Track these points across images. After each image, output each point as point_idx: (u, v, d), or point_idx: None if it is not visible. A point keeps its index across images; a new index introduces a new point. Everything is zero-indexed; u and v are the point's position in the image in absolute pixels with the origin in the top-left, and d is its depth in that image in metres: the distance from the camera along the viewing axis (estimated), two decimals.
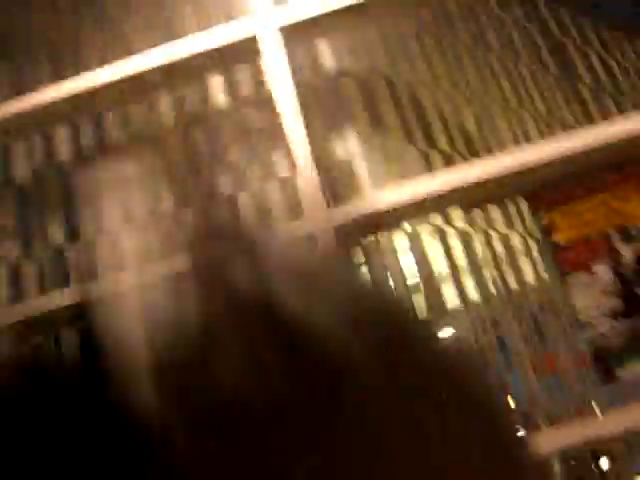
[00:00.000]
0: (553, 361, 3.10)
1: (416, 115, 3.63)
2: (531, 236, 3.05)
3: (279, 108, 2.95)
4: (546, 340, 3.07)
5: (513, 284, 3.16)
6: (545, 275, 2.94)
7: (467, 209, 2.99)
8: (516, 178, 2.59)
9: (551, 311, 2.95)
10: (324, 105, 3.54)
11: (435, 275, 3.34)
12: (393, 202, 2.71)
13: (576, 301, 2.52)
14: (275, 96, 2.99)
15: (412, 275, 3.29)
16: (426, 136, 3.60)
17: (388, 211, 2.73)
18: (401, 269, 3.19)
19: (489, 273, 3.26)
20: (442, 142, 3.61)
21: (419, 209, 2.83)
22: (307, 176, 2.78)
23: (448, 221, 3.37)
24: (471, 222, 3.29)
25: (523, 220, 3.04)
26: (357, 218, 2.71)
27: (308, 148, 2.85)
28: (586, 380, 2.67)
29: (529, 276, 3.13)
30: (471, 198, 2.72)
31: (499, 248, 3.24)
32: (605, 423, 2.51)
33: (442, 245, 3.36)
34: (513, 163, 2.55)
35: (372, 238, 3.03)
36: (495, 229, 3.24)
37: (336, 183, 3.29)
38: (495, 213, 3.21)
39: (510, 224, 3.19)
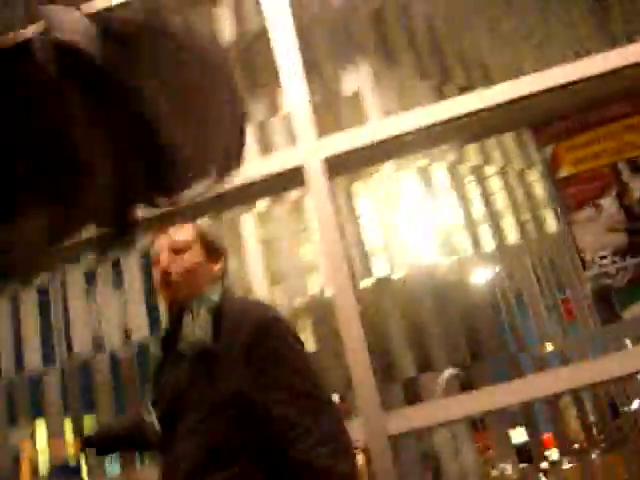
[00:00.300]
0: (569, 305, 2.98)
1: (432, 49, 3.44)
2: (535, 171, 2.87)
3: (275, 42, 2.87)
4: (558, 282, 2.94)
5: (523, 221, 3.01)
6: (551, 212, 2.78)
7: (467, 142, 2.82)
8: (520, 108, 2.43)
9: (559, 251, 2.80)
10: (333, 38, 3.40)
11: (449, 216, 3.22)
12: (398, 130, 2.59)
13: (581, 239, 2.37)
14: (271, 30, 2.91)
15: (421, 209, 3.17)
16: (442, 71, 3.42)
17: (392, 139, 2.60)
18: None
19: (502, 208, 3.13)
20: (459, 77, 3.42)
21: (426, 139, 2.68)
22: (300, 109, 2.69)
23: (462, 158, 3.23)
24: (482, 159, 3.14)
25: (528, 154, 2.87)
26: (355, 148, 2.60)
27: (304, 82, 2.76)
28: (592, 321, 2.54)
29: (536, 214, 2.98)
30: (470, 131, 2.57)
31: (506, 183, 3.08)
32: (612, 363, 2.39)
33: (455, 181, 3.22)
34: (514, 92, 2.39)
35: (374, 169, 2.89)
36: (510, 165, 3.08)
37: (339, 115, 3.18)
38: (498, 147, 3.05)
39: (514, 159, 3.02)
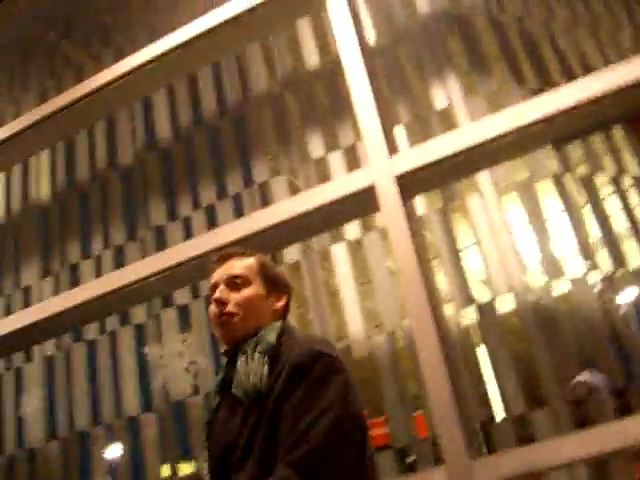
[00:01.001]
0: None
1: (526, 51, 3.15)
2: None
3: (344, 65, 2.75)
4: None
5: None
6: None
7: (562, 143, 2.49)
8: (615, 102, 2.11)
9: None
10: (419, 48, 3.20)
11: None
12: (469, 142, 2.35)
13: None
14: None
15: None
16: (539, 73, 3.11)
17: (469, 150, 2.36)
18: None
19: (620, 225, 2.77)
20: (559, 79, 3.10)
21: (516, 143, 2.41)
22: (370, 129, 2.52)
23: (567, 168, 2.90)
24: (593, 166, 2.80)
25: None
26: (431, 163, 2.38)
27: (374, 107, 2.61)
28: None
29: None
30: (565, 128, 2.26)
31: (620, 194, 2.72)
32: None
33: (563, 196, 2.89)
34: (614, 82, 2.07)
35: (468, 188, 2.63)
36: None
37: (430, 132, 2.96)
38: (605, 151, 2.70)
39: (625, 163, 2.66)
